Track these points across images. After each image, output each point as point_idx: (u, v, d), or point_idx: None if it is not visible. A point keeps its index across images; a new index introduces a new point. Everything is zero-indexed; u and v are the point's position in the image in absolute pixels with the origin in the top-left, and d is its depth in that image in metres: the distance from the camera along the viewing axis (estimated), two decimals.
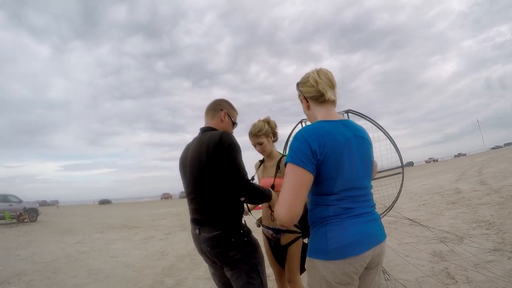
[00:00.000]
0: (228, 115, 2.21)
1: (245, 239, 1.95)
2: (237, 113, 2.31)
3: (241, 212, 2.03)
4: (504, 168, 16.17)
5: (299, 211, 1.38)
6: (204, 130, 2.13)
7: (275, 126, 2.76)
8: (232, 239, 1.90)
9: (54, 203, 75.37)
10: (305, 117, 3.05)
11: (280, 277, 2.77)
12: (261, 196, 1.98)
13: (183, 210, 23.27)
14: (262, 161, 2.86)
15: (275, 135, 2.75)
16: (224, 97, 2.31)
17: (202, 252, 2.04)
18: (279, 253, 2.65)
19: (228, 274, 1.97)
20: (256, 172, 2.87)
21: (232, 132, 2.23)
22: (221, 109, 2.19)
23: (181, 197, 61.55)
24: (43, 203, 68.74)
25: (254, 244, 2.00)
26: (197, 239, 2.03)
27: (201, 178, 1.94)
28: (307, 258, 1.53)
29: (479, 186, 11.57)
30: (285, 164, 1.48)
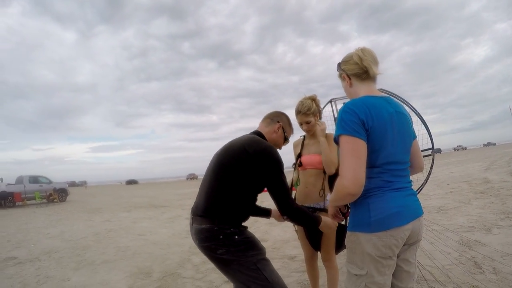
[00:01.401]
0: (283, 129, 2.20)
1: (236, 237, 1.85)
2: (292, 132, 2.31)
3: (242, 215, 1.96)
4: None
5: (363, 180, 1.39)
6: (254, 133, 2.16)
7: (319, 103, 2.71)
8: (221, 236, 1.82)
9: (83, 184, 77.55)
10: (334, 97, 2.99)
11: (310, 258, 2.76)
12: (306, 220, 1.98)
13: None
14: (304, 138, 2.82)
15: (320, 113, 2.70)
16: (282, 111, 2.31)
17: (196, 244, 1.98)
18: (313, 233, 2.61)
19: (222, 272, 1.94)
20: (294, 149, 2.85)
21: (281, 146, 2.26)
22: (278, 121, 2.19)
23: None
24: (72, 184, 71.12)
25: (247, 241, 1.89)
26: (190, 230, 2.01)
27: (224, 168, 1.92)
28: (348, 233, 1.56)
29: (508, 177, 11.27)
30: (335, 137, 1.50)
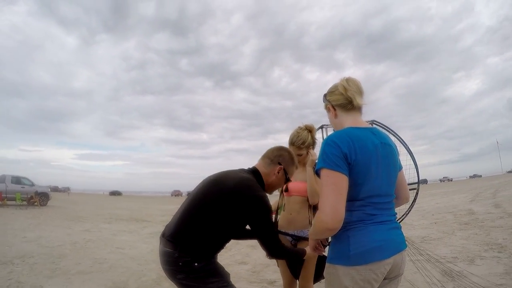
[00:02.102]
0: (284, 171, 2.07)
1: (195, 264, 1.77)
2: (296, 168, 2.18)
3: (211, 250, 1.87)
4: None
5: (342, 215, 1.36)
6: (251, 171, 2.05)
7: (315, 132, 2.66)
8: (180, 263, 1.76)
9: (66, 190, 76.20)
10: (326, 122, 2.97)
11: (288, 286, 2.68)
12: (292, 258, 2.01)
13: None
14: None
15: (314, 144, 2.64)
16: (285, 146, 2.22)
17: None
18: (293, 261, 2.54)
19: None
20: None
21: (281, 187, 2.22)
22: (279, 162, 2.05)
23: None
24: (55, 189, 69.87)
25: (207, 269, 1.82)
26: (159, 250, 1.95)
27: (205, 201, 1.85)
28: (327, 265, 1.51)
29: (493, 209, 11.34)
30: (317, 170, 1.48)
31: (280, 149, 2.13)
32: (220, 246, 1.91)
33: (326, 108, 1.72)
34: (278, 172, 2.04)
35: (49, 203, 21.56)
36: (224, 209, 1.80)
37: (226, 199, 1.81)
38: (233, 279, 1.96)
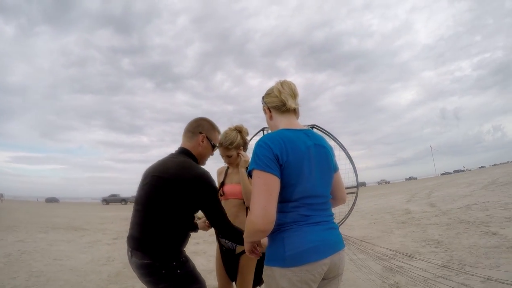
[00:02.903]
0: (207, 138, 2.09)
1: (178, 271, 1.82)
2: (218, 133, 2.22)
3: (181, 242, 1.93)
4: (453, 192, 16.93)
5: (273, 216, 1.37)
6: (181, 152, 2.06)
7: (247, 133, 2.62)
8: (163, 271, 1.79)
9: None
10: (266, 127, 3.00)
11: (226, 287, 2.59)
12: (240, 238, 1.94)
13: None
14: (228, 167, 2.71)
15: (245, 145, 2.60)
16: (204, 116, 2.22)
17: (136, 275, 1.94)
18: (231, 263, 2.49)
19: None
20: (218, 177, 2.73)
21: (211, 154, 2.18)
22: (200, 131, 2.08)
23: (131, 202, 58.40)
24: None
25: (189, 276, 1.88)
26: (130, 262, 1.95)
27: (158, 197, 1.85)
28: (265, 267, 1.50)
29: (428, 208, 12.04)
30: (249, 172, 1.48)
31: (198, 119, 2.15)
32: (185, 237, 1.95)
33: (263, 110, 1.76)
34: (202, 141, 2.07)
35: None
36: (175, 199, 1.81)
37: (173, 188, 1.82)
38: None
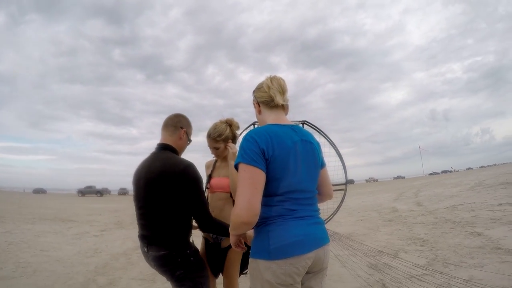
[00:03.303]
0: (186, 133, 2.22)
1: (192, 259, 1.99)
2: (192, 130, 2.32)
3: (188, 232, 2.07)
4: (439, 192, 17.14)
5: (258, 209, 1.39)
6: (163, 148, 2.15)
7: (238, 127, 2.61)
8: (179, 259, 1.94)
9: None
10: (257, 121, 3.05)
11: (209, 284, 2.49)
12: (224, 231, 2.01)
13: (121, 207, 22.51)
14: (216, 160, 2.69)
15: (234, 138, 2.58)
16: (184, 107, 2.33)
17: (152, 267, 2.08)
18: (216, 256, 2.47)
19: (173, 286, 2.02)
20: (206, 170, 2.72)
21: (186, 146, 2.28)
22: (181, 126, 2.19)
23: (120, 193, 57.99)
24: None
25: (200, 264, 2.06)
26: (146, 256, 2.07)
27: (155, 197, 1.96)
28: (250, 259, 1.53)
29: (415, 207, 12.20)
30: (235, 165, 1.50)
31: (178, 115, 2.26)
32: (190, 227, 2.09)
33: (253, 103, 1.79)
34: (183, 136, 2.20)
35: None
36: (170, 194, 1.93)
37: (166, 185, 1.92)
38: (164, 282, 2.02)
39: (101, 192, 52.45)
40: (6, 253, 6.50)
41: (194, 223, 2.12)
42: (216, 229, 2.09)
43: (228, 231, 1.92)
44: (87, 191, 51.76)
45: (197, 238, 2.20)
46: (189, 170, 1.95)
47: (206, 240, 2.55)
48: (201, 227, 2.08)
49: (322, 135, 3.63)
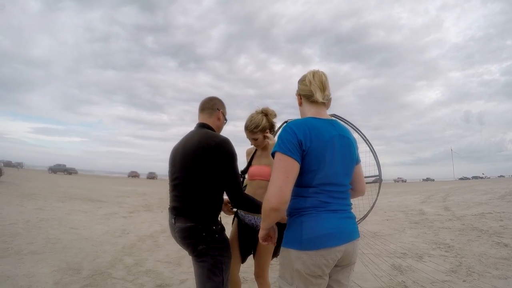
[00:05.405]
0: (223, 114, 2.32)
1: (216, 235, 2.00)
2: (226, 110, 2.41)
3: (218, 209, 2.10)
4: (469, 198, 16.64)
5: (288, 197, 1.43)
6: (202, 126, 2.23)
7: (275, 115, 2.59)
8: (203, 234, 1.96)
9: (18, 165, 72.36)
10: (290, 118, 3.04)
11: (234, 265, 2.34)
12: (256, 208, 2.03)
13: (149, 191, 23.00)
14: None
15: (272, 128, 2.57)
16: (216, 95, 2.44)
17: (177, 241, 2.11)
18: (249, 238, 2.46)
19: (194, 265, 2.04)
20: (246, 157, 2.74)
21: (223, 126, 2.38)
22: (218, 108, 2.29)
23: (148, 177, 59.92)
24: (8, 164, 66.42)
25: (224, 242, 2.05)
26: (172, 228, 2.11)
27: (190, 168, 2.01)
28: (281, 248, 1.57)
29: (442, 211, 11.88)
30: (272, 153, 1.55)
31: (213, 98, 2.35)
32: (221, 202, 2.13)
33: (296, 94, 1.81)
34: (220, 116, 2.31)
35: (1, 179, 20.61)
36: (206, 166, 1.97)
37: (201, 157, 1.97)
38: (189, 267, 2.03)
39: (69, 171, 58.43)
40: (37, 229, 6.78)
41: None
42: (247, 204, 2.08)
43: (260, 208, 1.90)
44: (57, 169, 58.21)
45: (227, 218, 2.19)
46: (224, 144, 2.00)
47: (239, 221, 2.55)
48: (232, 202, 2.08)
49: (354, 129, 3.58)
